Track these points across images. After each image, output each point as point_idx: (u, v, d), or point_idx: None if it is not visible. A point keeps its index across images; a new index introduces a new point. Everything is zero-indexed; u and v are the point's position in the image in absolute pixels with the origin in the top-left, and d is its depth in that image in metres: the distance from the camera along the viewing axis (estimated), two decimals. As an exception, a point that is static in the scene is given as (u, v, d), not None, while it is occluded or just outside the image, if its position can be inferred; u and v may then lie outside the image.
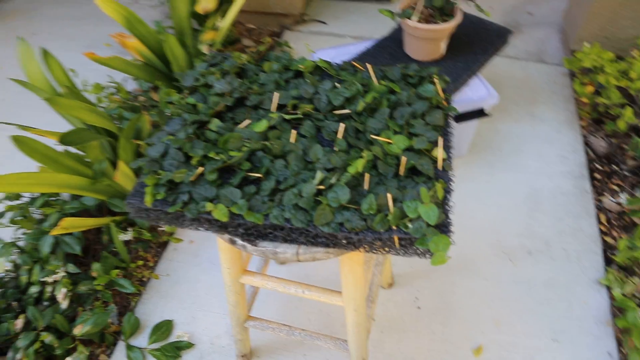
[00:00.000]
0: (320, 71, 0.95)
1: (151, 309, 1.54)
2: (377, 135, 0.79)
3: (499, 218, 1.77)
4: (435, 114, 0.81)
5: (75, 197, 1.60)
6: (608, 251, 1.67)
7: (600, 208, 1.81)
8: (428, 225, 0.67)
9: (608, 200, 1.83)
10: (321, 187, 0.71)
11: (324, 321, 1.48)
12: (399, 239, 0.69)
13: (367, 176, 0.72)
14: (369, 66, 0.91)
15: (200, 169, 0.74)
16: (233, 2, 1.84)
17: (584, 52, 2.06)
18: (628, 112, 1.84)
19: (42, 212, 1.55)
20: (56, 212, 1.50)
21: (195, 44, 1.95)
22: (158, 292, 1.58)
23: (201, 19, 2.11)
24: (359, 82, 0.87)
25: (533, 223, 1.76)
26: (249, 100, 0.86)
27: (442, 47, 1.74)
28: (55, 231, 1.36)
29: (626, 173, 1.93)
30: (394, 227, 0.69)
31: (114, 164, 1.61)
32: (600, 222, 1.76)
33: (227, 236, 0.76)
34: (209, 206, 0.70)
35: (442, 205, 0.69)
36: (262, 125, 0.78)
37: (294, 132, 0.79)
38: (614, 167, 1.96)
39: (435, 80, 0.86)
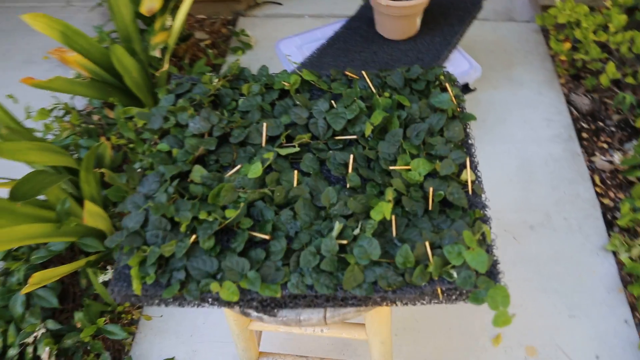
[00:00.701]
0: (309, 85, 0.82)
1: (148, 349, 1.42)
2: (393, 161, 0.68)
3: (495, 194, 1.70)
4: (454, 128, 0.70)
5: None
6: (608, 214, 1.64)
7: (593, 169, 1.77)
8: (477, 273, 0.57)
9: (600, 160, 1.79)
10: (343, 241, 0.60)
11: (337, 343, 1.40)
12: (442, 290, 0.59)
13: (394, 219, 0.61)
14: (365, 74, 0.79)
15: (194, 237, 0.61)
16: (183, 1, 1.64)
17: (557, 7, 1.97)
18: (611, 67, 1.78)
19: (5, 268, 1.38)
20: (22, 265, 1.34)
21: (145, 48, 1.76)
22: (152, 330, 1.45)
23: (147, 19, 1.90)
24: (357, 96, 0.74)
25: (529, 195, 1.70)
26: (232, 137, 0.73)
27: (417, 23, 1.62)
28: (26, 289, 1.20)
29: (612, 129, 1.89)
30: (435, 278, 0.59)
31: (78, 200, 1.44)
32: (595, 184, 1.72)
33: (238, 309, 0.64)
34: (214, 286, 0.57)
35: (488, 246, 0.59)
36: (256, 170, 0.65)
37: (296, 173, 0.66)
38: (600, 123, 1.91)
39: (447, 85, 0.74)
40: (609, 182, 1.73)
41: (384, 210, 0.60)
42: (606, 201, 1.67)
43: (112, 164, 1.52)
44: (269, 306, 0.62)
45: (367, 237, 0.59)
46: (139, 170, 0.69)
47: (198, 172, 0.67)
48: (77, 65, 1.64)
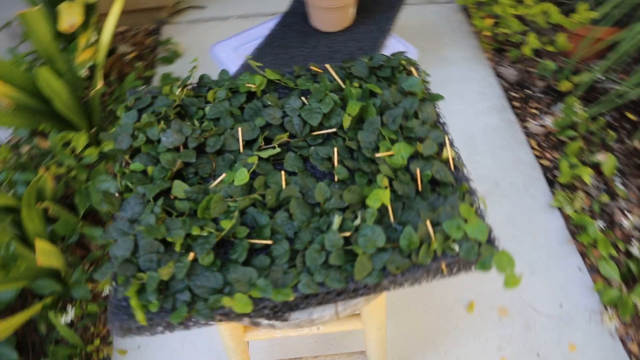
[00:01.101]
0: (274, 85, 0.80)
1: (125, 385, 1.34)
2: (375, 149, 0.68)
3: (447, 171, 1.77)
4: (426, 109, 0.72)
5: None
6: (548, 174, 1.76)
7: (528, 134, 1.89)
8: (478, 243, 0.59)
9: (533, 125, 1.92)
10: (346, 234, 0.60)
11: (320, 340, 1.39)
12: (446, 265, 0.61)
13: (389, 205, 0.62)
14: (329, 67, 0.79)
15: (192, 255, 0.58)
16: (112, 7, 1.55)
17: (474, -14, 2.08)
18: (532, 38, 1.91)
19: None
20: (-31, 320, 1.21)
21: (70, 68, 1.64)
22: (126, 364, 1.37)
23: (68, 37, 1.78)
24: (328, 90, 0.74)
25: (477, 166, 1.79)
26: (208, 146, 0.70)
27: (352, 13, 1.64)
28: (-20, 347, 1.09)
29: (539, 95, 2.02)
30: (439, 255, 0.60)
31: (22, 240, 1.33)
32: (533, 148, 1.84)
33: (247, 321, 0.62)
34: (225, 301, 0.55)
35: (481, 216, 0.62)
36: (242, 176, 0.63)
37: (283, 173, 0.65)
38: (528, 91, 2.04)
39: (412, 69, 0.76)
40: (544, 145, 1.85)
41: (380, 197, 0.60)
42: (545, 162, 1.80)
43: (55, 196, 1.41)
44: (280, 311, 0.60)
45: (369, 226, 0.59)
46: (114, 192, 0.64)
47: (180, 188, 0.64)
48: (-3, 94, 1.51)
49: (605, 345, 1.37)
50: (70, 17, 1.63)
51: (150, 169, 0.66)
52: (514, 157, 1.80)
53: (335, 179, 0.67)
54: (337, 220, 0.61)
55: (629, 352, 1.37)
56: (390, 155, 0.68)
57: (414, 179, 0.67)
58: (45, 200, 1.37)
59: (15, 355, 1.19)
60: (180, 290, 0.57)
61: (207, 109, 0.73)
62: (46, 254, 1.19)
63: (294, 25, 1.70)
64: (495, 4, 2.01)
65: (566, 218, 1.63)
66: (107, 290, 1.38)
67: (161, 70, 2.18)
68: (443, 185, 0.66)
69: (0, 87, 1.49)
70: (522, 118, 1.95)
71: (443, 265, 0.60)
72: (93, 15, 1.71)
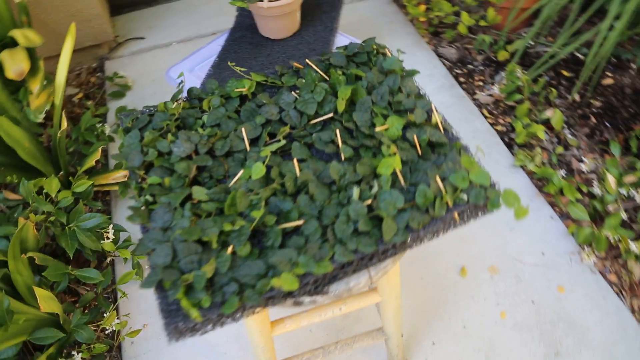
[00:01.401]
0: (261, 86, 0.85)
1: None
2: (371, 126, 0.74)
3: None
4: (407, 83, 0.79)
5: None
6: (505, 137, 1.89)
7: (479, 105, 2.02)
8: (483, 188, 0.66)
9: (481, 96, 2.05)
10: (367, 202, 0.65)
11: (331, 329, 1.43)
12: (458, 214, 0.67)
13: (398, 171, 0.68)
14: (309, 62, 0.84)
15: (230, 249, 0.61)
16: (64, 46, 1.53)
17: (402, -22, 2.20)
18: (465, 16, 2.04)
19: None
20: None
21: (24, 116, 1.61)
22: (144, 398, 1.35)
23: (14, 84, 1.74)
24: (316, 81, 0.79)
25: (440, 142, 1.89)
26: (217, 150, 0.73)
27: (298, 17, 1.70)
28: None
29: (481, 68, 2.17)
30: (451, 206, 0.67)
31: (12, 294, 1.28)
32: (485, 117, 1.96)
33: (290, 301, 0.66)
34: (274, 281, 0.58)
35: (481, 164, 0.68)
36: (259, 170, 0.67)
37: (295, 161, 0.69)
38: (469, 66, 2.18)
39: (387, 50, 0.82)
40: (495, 112, 1.99)
41: (391, 163, 0.66)
42: (499, 128, 1.93)
43: (38, 245, 1.37)
44: (320, 285, 0.64)
45: (386, 191, 0.65)
46: (138, 206, 0.66)
47: (200, 192, 0.67)
48: (-49, 154, 1.46)
49: (588, 281, 1.49)
50: (15, 65, 1.60)
51: (167, 180, 0.68)
52: (472, 128, 1.92)
53: (342, 158, 0.72)
54: (356, 191, 0.65)
55: (610, 283, 1.49)
56: (386, 129, 0.74)
57: (413, 145, 0.73)
58: (29, 251, 1.33)
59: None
60: (226, 283, 0.60)
61: (205, 117, 0.77)
62: (46, 300, 1.17)
63: (244, 37, 1.74)
64: (425, -9, 2.14)
65: (530, 174, 1.75)
66: (111, 327, 1.36)
67: (113, 105, 2.16)
68: (439, 146, 0.73)
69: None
70: (470, 92, 2.08)
71: (456, 215, 0.67)
72: (39, 59, 1.68)
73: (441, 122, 0.75)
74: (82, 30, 2.22)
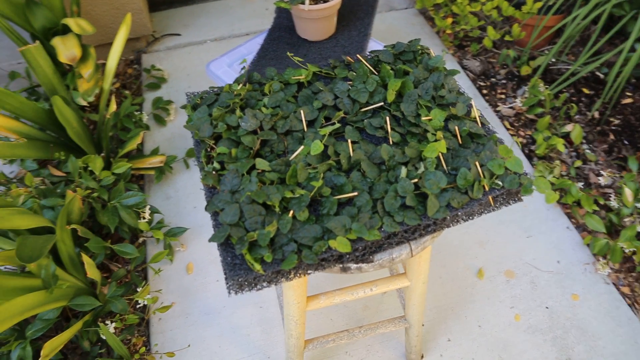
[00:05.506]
0: (316, 76, 0.93)
1: (171, 391, 1.39)
2: (416, 116, 0.82)
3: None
4: (450, 81, 0.86)
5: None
6: (525, 149, 1.95)
7: (500, 117, 2.09)
8: (518, 174, 0.73)
9: (503, 108, 2.12)
10: (414, 180, 0.72)
11: (354, 319, 1.49)
12: (493, 197, 0.74)
13: (441, 156, 0.75)
14: (360, 57, 0.92)
15: (291, 213, 0.69)
16: (117, 35, 1.63)
17: (433, -10, 2.28)
18: (491, 30, 2.12)
19: (-5, 353, 1.26)
20: (17, 344, 1.24)
21: (72, 98, 1.70)
22: (169, 371, 1.42)
23: (62, 69, 1.84)
24: (368, 73, 0.87)
25: (462, 150, 1.96)
26: (278, 127, 0.81)
27: (335, 21, 1.79)
28: (40, 364, 1.13)
29: (503, 81, 2.24)
30: (487, 189, 0.74)
31: (56, 262, 1.36)
32: (507, 129, 2.03)
33: (337, 267, 0.73)
34: (331, 243, 0.66)
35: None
36: (317, 147, 0.75)
37: (349, 142, 0.77)
38: (492, 79, 2.25)
39: (430, 51, 0.90)
40: (516, 125, 2.05)
41: (437, 147, 0.73)
42: (520, 140, 1.99)
43: (81, 218, 1.46)
44: (367, 252, 0.71)
45: (431, 172, 0.72)
46: (211, 171, 0.74)
47: (263, 163, 0.74)
48: (3, 129, 1.55)
49: (602, 291, 1.55)
50: (67, 50, 1.70)
51: (233, 151, 0.76)
52: (493, 138, 1.99)
53: (390, 142, 0.79)
54: (404, 171, 0.73)
55: (622, 294, 1.54)
56: (430, 120, 0.81)
57: (454, 135, 0.80)
58: (72, 223, 1.41)
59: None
60: (286, 243, 0.68)
61: (266, 99, 0.85)
62: (91, 267, 1.24)
63: (282, 38, 1.83)
64: (453, 4, 2.22)
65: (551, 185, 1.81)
66: (143, 301, 1.43)
67: (149, 96, 2.26)
68: (478, 137, 0.80)
69: (7, 123, 1.54)
70: (492, 104, 2.15)
71: (491, 199, 0.74)
72: (89, 46, 1.78)
73: (479, 117, 0.83)
74: (124, 23, 2.32)
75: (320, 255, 0.67)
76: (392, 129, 0.80)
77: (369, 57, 0.94)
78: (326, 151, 0.77)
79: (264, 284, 0.70)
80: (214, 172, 0.73)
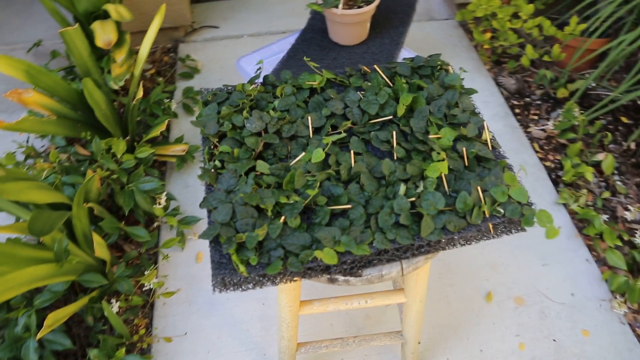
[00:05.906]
0: (330, 83, 0.92)
1: (167, 375, 1.41)
2: (425, 133, 0.80)
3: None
4: (465, 100, 0.84)
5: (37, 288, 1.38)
6: (552, 174, 1.89)
7: (531, 138, 2.03)
8: (521, 204, 0.71)
9: (535, 130, 2.06)
10: (411, 199, 0.71)
11: (353, 328, 1.48)
12: (493, 225, 0.72)
13: (443, 177, 0.73)
14: (377, 68, 0.91)
15: (282, 218, 0.69)
16: (152, 24, 1.67)
17: (474, 2, 2.24)
18: (529, 49, 2.06)
19: (5, 318, 1.31)
20: (25, 311, 1.29)
21: (104, 82, 1.76)
22: (167, 356, 1.45)
23: (98, 52, 1.90)
24: (382, 85, 0.86)
25: (485, 168, 1.91)
26: (284, 132, 0.81)
27: (368, 27, 1.78)
28: (42, 333, 1.17)
29: (538, 102, 2.17)
30: (487, 216, 0.72)
31: (70, 238, 1.41)
32: (536, 151, 1.97)
33: (325, 277, 0.72)
34: (317, 253, 0.65)
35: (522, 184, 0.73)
36: (319, 155, 0.75)
37: (352, 152, 0.76)
38: (527, 99, 2.19)
39: (450, 67, 0.88)
40: (546, 148, 1.99)
41: (439, 167, 0.72)
42: (548, 164, 1.93)
43: (99, 198, 1.50)
44: (356, 267, 0.71)
45: (430, 192, 0.71)
46: (209, 169, 0.75)
47: (263, 166, 0.75)
48: (37, 105, 1.61)
49: (615, 331, 1.48)
50: (105, 35, 1.75)
51: (236, 151, 0.76)
52: (520, 160, 1.93)
53: (395, 157, 0.78)
54: (402, 188, 0.72)
55: (638, 336, 1.47)
56: (438, 138, 0.80)
57: (461, 156, 0.78)
58: (90, 202, 1.46)
59: (69, 342, 1.27)
60: (274, 247, 0.68)
61: (277, 102, 0.85)
62: (101, 247, 1.28)
63: (314, 39, 1.84)
64: (493, 19, 2.17)
65: (572, 214, 1.75)
66: (149, 284, 1.47)
67: (181, 85, 2.30)
68: (485, 161, 0.78)
69: (41, 100, 1.60)
70: (523, 124, 2.09)
71: (490, 226, 0.71)
72: (125, 32, 1.83)
73: (490, 140, 0.80)
74: (164, 11, 2.38)
75: (307, 264, 0.67)
76: (398, 143, 0.79)
77: (385, 68, 0.93)
78: (327, 160, 0.77)
79: (249, 286, 0.70)
80: (212, 170, 0.74)
